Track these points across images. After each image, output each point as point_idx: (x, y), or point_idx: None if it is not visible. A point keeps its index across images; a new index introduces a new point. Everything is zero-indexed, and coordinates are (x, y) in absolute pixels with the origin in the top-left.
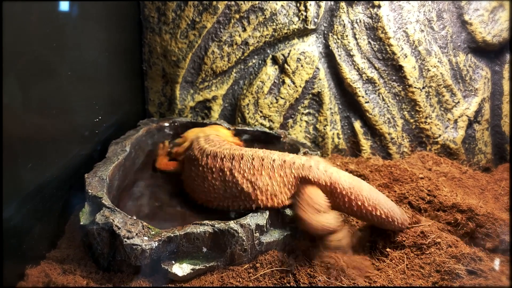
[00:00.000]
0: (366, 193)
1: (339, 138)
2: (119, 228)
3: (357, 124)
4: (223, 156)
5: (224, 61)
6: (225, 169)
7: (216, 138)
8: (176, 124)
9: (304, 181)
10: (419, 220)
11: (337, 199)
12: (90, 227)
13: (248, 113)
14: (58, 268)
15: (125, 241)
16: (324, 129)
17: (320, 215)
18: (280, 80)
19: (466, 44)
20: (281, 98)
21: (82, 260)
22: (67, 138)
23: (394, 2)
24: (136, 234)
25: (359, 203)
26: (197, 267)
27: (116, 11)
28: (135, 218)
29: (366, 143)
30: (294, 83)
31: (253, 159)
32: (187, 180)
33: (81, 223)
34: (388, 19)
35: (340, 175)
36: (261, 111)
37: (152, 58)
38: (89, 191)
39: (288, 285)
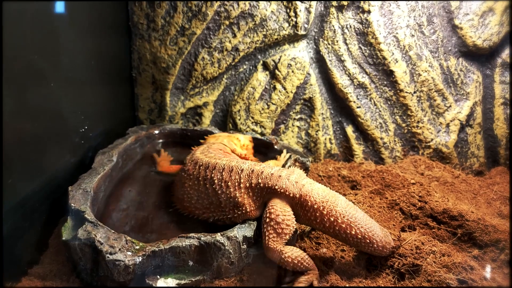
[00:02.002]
0: (340, 209)
1: (331, 143)
2: (101, 244)
3: (349, 129)
4: (200, 164)
5: (214, 67)
6: (200, 178)
7: (218, 147)
8: (166, 131)
9: (271, 191)
10: (400, 242)
11: (308, 213)
12: (72, 243)
13: (239, 119)
14: (40, 285)
15: (108, 257)
16: (316, 134)
17: (290, 248)
18: (271, 86)
19: (457, 48)
20: (273, 104)
21: (65, 276)
22: (54, 147)
23: (384, 7)
24: (119, 249)
25: (332, 219)
26: (183, 281)
27: (104, 18)
28: (118, 233)
29: (358, 148)
30: (285, 88)
31: (223, 169)
32: (174, 187)
33: (63, 238)
34: (378, 24)
35: (313, 188)
36: (252, 117)
37: (142, 65)
38: (72, 204)
39: None
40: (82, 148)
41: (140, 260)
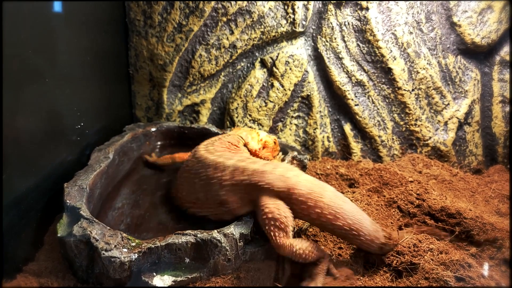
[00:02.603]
0: (327, 200)
1: (329, 141)
2: (97, 240)
3: (347, 127)
4: (196, 157)
5: (212, 64)
6: (192, 172)
7: (228, 140)
8: (163, 129)
9: (256, 188)
10: (397, 239)
11: (294, 205)
12: (68, 239)
13: (237, 117)
14: (35, 282)
15: (103, 254)
16: (314, 132)
17: (298, 240)
18: (269, 83)
19: (455, 46)
20: (270, 101)
21: (60, 273)
22: (50, 144)
23: (383, 4)
24: (115, 246)
25: (318, 211)
26: (179, 278)
27: (101, 15)
28: (114, 229)
29: (356, 146)
30: (283, 86)
31: (210, 165)
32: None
33: (59, 234)
34: (376, 21)
35: (300, 179)
36: (250, 115)
37: (139, 62)
38: (68, 201)
39: None
40: (79, 145)
41: (136, 257)
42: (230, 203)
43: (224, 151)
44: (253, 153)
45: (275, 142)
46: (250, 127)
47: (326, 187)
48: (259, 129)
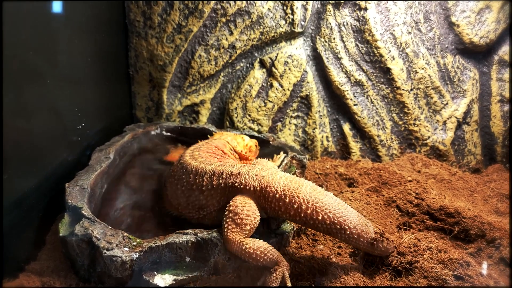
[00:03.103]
0: (303, 195)
1: (328, 141)
2: (98, 240)
3: (346, 127)
4: (180, 162)
5: (211, 65)
6: (176, 177)
7: (214, 144)
8: (163, 129)
9: (233, 190)
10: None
11: (271, 203)
12: (69, 239)
13: (236, 117)
14: (37, 281)
15: (105, 253)
16: (313, 132)
17: (253, 240)
18: (268, 83)
19: (454, 46)
20: (270, 101)
21: (62, 272)
22: (51, 145)
23: (381, 4)
24: (116, 245)
25: (295, 206)
26: (180, 277)
27: (101, 16)
28: (115, 228)
29: (355, 146)
30: (282, 86)
31: (191, 171)
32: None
33: (60, 234)
34: (375, 21)
35: (274, 177)
36: (249, 115)
37: (139, 63)
38: (69, 201)
39: None
40: (79, 146)
41: (137, 256)
42: (209, 207)
43: (209, 157)
44: (242, 156)
45: (256, 146)
46: (250, 127)
47: (304, 182)
48: (259, 129)
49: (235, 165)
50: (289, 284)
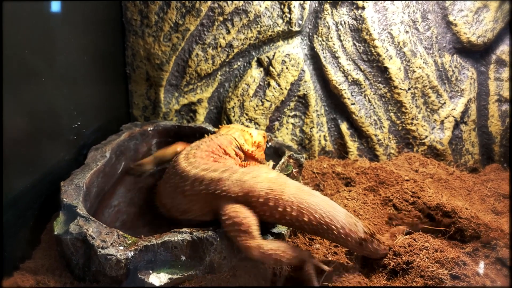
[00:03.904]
0: (287, 196)
1: (325, 140)
2: (93, 238)
3: (344, 126)
4: (173, 164)
5: (208, 63)
6: (165, 180)
7: (218, 142)
8: (160, 128)
9: (214, 197)
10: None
11: (256, 208)
12: (64, 237)
13: (233, 116)
14: (31, 279)
15: (99, 251)
16: (311, 131)
17: (268, 241)
18: (266, 82)
19: (452, 45)
20: (267, 100)
21: (57, 270)
22: (47, 144)
23: (379, 3)
24: (111, 243)
25: (280, 209)
26: (175, 276)
27: (98, 14)
28: (111, 227)
29: (353, 145)
30: (279, 85)
31: (176, 175)
32: None
33: (55, 232)
34: (372, 20)
35: (257, 181)
36: (246, 114)
37: (136, 61)
38: (64, 199)
39: None
40: (76, 145)
41: (132, 254)
42: (192, 212)
43: (206, 156)
44: (248, 155)
45: (264, 137)
46: (247, 126)
47: (288, 183)
48: (256, 128)
49: (218, 169)
50: (324, 267)
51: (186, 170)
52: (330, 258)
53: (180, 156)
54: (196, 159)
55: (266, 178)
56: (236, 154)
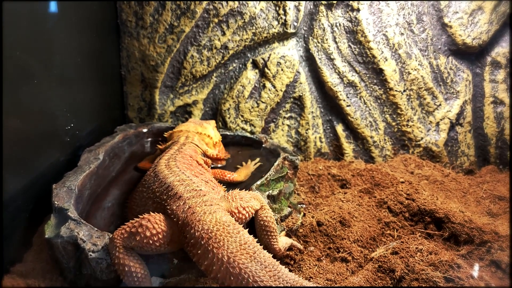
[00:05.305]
0: (222, 252)
1: (321, 141)
2: (84, 242)
3: (339, 128)
4: (151, 171)
5: (203, 65)
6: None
7: (190, 151)
8: (154, 129)
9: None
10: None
11: (185, 244)
12: (55, 241)
13: (229, 118)
14: (21, 283)
15: (90, 255)
16: (306, 133)
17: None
18: (261, 84)
19: (447, 47)
20: (262, 102)
21: (48, 274)
22: (42, 145)
23: (374, 5)
24: (102, 247)
25: (206, 263)
26: (167, 280)
27: (93, 16)
28: (103, 230)
29: (348, 147)
30: (275, 87)
31: (153, 182)
32: None
33: (46, 236)
34: (367, 22)
35: (205, 218)
36: (242, 116)
37: (131, 63)
38: (56, 202)
39: None
40: (71, 147)
41: None
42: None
43: (186, 169)
44: (214, 159)
45: (215, 128)
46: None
47: (234, 237)
48: (251, 129)
49: (191, 185)
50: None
51: (158, 183)
52: (323, 261)
53: (159, 162)
54: (180, 169)
55: (216, 221)
56: (205, 162)
